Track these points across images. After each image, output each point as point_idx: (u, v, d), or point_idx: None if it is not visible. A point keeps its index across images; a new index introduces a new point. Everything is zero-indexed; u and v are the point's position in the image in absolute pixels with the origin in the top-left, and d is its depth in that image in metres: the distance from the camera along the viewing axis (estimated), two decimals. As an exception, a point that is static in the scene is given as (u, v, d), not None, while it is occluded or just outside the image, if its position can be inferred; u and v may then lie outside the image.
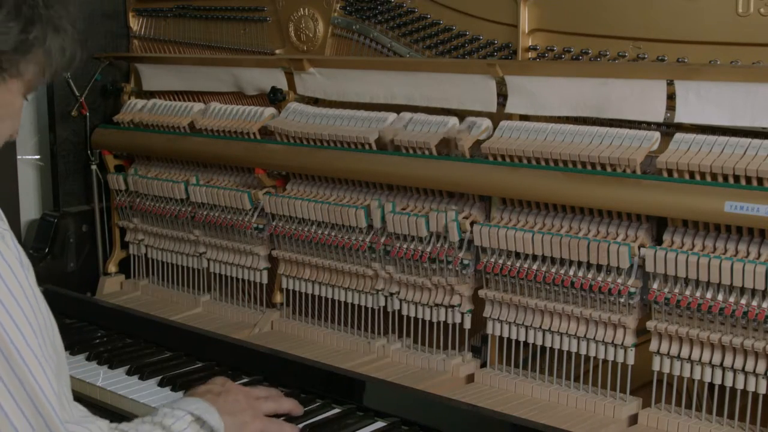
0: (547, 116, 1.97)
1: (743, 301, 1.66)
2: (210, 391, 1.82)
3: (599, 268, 1.83)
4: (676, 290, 1.74)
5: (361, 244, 2.16)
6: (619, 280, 1.81)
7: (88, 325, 2.47)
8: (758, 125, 1.70)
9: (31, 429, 1.32)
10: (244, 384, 2.02)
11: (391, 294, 2.16)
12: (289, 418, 1.88)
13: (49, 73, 1.49)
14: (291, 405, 1.92)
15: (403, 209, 2.11)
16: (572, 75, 1.91)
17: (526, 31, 2.05)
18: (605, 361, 1.88)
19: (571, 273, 1.87)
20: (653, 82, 1.81)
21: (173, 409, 1.66)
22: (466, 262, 2.01)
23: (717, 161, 1.68)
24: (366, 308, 2.23)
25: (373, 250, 2.15)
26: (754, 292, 1.65)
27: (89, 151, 2.82)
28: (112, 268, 2.84)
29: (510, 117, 2.01)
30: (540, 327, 1.93)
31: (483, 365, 2.09)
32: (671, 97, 1.80)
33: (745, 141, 1.69)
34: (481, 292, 2.00)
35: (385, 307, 2.19)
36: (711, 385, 1.76)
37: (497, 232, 1.93)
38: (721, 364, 1.72)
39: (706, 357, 1.73)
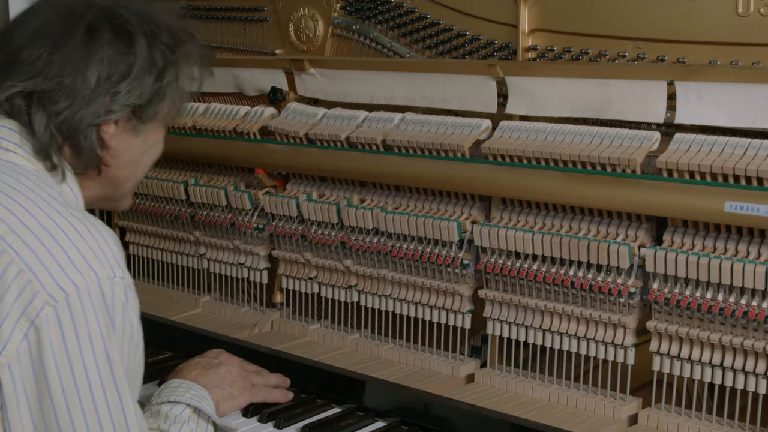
0: (548, 116, 1.97)
1: (743, 301, 1.66)
2: (200, 364, 1.89)
3: (599, 268, 1.83)
4: (676, 290, 1.74)
5: (368, 246, 2.16)
6: (619, 280, 1.81)
7: (88, 325, 2.46)
8: (758, 126, 1.70)
9: None
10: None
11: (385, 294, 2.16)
12: None
13: (183, 104, 1.59)
14: (278, 380, 2.01)
15: (396, 208, 2.11)
16: (573, 76, 1.91)
17: (526, 31, 2.05)
18: (605, 361, 1.88)
19: (571, 273, 1.87)
20: (654, 83, 1.81)
21: (172, 406, 1.72)
22: (466, 262, 2.01)
23: (717, 161, 1.68)
24: (368, 308, 2.23)
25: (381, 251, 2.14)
26: (754, 292, 1.66)
27: (89, 151, 2.81)
28: (112, 268, 2.84)
29: (510, 117, 2.01)
30: (540, 327, 1.93)
31: (483, 365, 2.09)
32: (671, 97, 1.80)
33: (745, 141, 1.69)
34: (481, 292, 2.00)
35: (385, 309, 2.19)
36: (711, 385, 1.76)
37: (497, 232, 1.93)
38: (721, 364, 1.72)
39: (706, 357, 1.73)
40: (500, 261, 1.95)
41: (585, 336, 1.88)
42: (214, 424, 1.76)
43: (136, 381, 1.44)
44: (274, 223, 2.34)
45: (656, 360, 1.80)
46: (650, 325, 1.78)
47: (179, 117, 1.63)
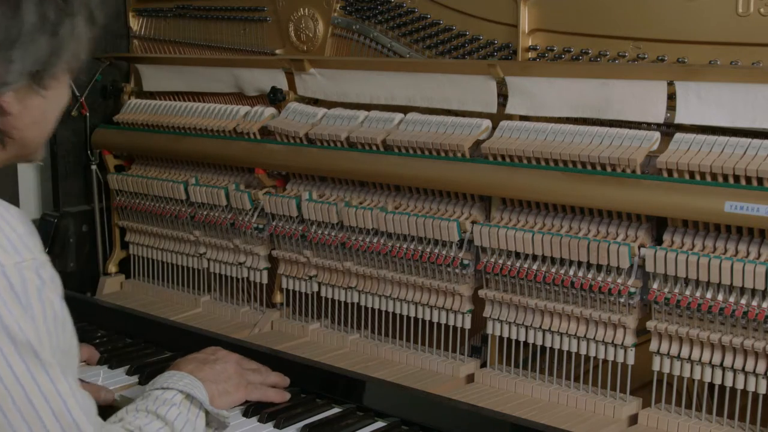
0: (548, 116, 1.97)
1: (743, 301, 1.66)
2: (196, 359, 1.87)
3: (599, 268, 1.83)
4: (676, 290, 1.74)
5: (368, 246, 2.16)
6: (619, 280, 1.81)
7: (88, 325, 2.46)
8: (758, 126, 1.70)
9: None
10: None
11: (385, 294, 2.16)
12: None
13: (85, 50, 1.41)
14: (277, 379, 1.99)
15: (396, 208, 2.11)
16: (573, 76, 1.92)
17: (526, 31, 2.05)
18: (605, 361, 1.88)
19: (571, 273, 1.87)
20: (654, 83, 1.81)
21: (164, 391, 1.69)
22: (466, 262, 2.01)
23: (717, 161, 1.68)
24: (368, 309, 2.23)
25: (379, 251, 2.14)
26: (754, 292, 1.66)
27: (89, 151, 2.82)
28: (112, 268, 2.84)
29: (510, 117, 2.01)
30: (540, 327, 1.93)
31: (483, 365, 2.09)
32: (671, 97, 1.80)
33: (745, 141, 1.69)
34: (481, 292, 2.00)
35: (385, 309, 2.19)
36: (711, 385, 1.76)
37: (497, 232, 1.93)
38: (721, 364, 1.72)
39: (706, 357, 1.73)
40: (500, 261, 1.95)
41: (585, 336, 1.88)
42: (207, 415, 1.74)
43: (70, 360, 1.36)
44: (274, 223, 2.35)
45: (656, 360, 1.80)
46: (650, 325, 1.78)
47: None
